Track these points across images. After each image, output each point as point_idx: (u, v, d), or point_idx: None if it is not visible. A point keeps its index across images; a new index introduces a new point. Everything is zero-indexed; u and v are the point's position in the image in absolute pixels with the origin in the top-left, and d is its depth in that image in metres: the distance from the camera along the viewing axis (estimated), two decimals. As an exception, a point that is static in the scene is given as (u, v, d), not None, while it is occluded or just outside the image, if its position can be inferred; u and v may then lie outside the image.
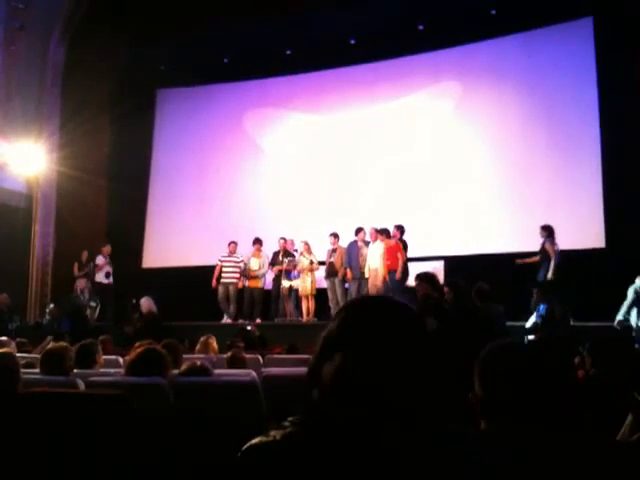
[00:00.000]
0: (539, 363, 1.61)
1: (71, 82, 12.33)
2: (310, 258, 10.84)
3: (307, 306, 10.86)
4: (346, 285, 10.72)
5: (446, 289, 5.82)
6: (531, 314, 8.11)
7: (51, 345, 4.02)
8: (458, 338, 3.85)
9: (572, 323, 7.99)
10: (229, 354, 5.13)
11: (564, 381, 1.60)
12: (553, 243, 8.98)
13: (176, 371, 3.93)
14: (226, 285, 11.39)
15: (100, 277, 12.09)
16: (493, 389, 1.60)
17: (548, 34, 11.11)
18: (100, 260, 12.11)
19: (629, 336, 6.73)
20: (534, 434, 1.46)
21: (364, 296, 1.31)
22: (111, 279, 12.21)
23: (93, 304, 11.53)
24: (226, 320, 11.23)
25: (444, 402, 1.20)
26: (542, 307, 7.98)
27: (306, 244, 10.93)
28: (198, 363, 3.89)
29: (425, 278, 5.88)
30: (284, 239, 11.34)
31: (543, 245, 9.02)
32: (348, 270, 10.54)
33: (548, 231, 9.02)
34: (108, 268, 12.14)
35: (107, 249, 12.26)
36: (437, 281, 5.93)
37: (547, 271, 8.83)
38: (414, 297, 5.64)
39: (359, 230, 10.70)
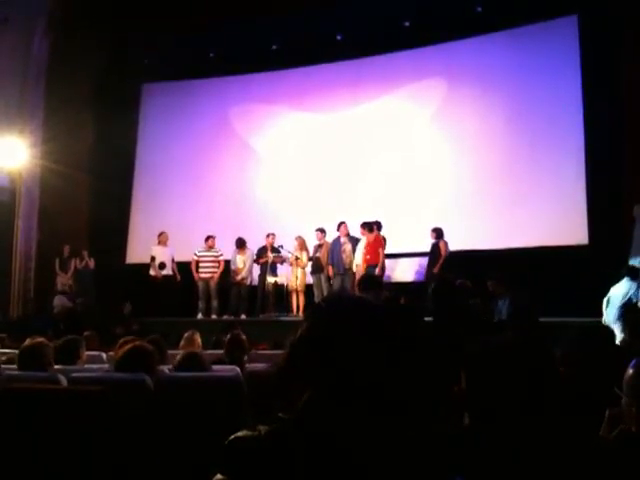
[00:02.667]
0: (526, 359, 1.62)
1: (55, 76, 12.19)
2: (295, 254, 10.80)
3: (296, 301, 10.83)
4: (331, 282, 10.70)
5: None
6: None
7: (29, 341, 3.97)
8: (448, 333, 3.81)
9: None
10: (228, 336, 5.06)
11: (548, 377, 1.61)
12: (445, 243, 9.91)
13: (164, 367, 3.93)
14: (206, 280, 11.30)
15: (154, 271, 11.30)
16: (479, 384, 1.62)
17: (533, 32, 11.15)
18: (156, 251, 11.39)
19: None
20: (521, 431, 1.47)
21: (328, 300, 1.27)
22: (168, 270, 11.33)
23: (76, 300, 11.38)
24: (200, 316, 11.12)
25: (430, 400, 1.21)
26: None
27: (300, 239, 10.89)
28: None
29: (370, 285, 4.68)
30: (272, 235, 11.27)
31: (436, 245, 9.93)
32: (330, 267, 10.54)
33: (438, 232, 10.00)
34: (163, 258, 11.36)
35: (163, 237, 11.52)
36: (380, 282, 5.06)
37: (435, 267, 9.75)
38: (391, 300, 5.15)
39: (340, 224, 10.69)
